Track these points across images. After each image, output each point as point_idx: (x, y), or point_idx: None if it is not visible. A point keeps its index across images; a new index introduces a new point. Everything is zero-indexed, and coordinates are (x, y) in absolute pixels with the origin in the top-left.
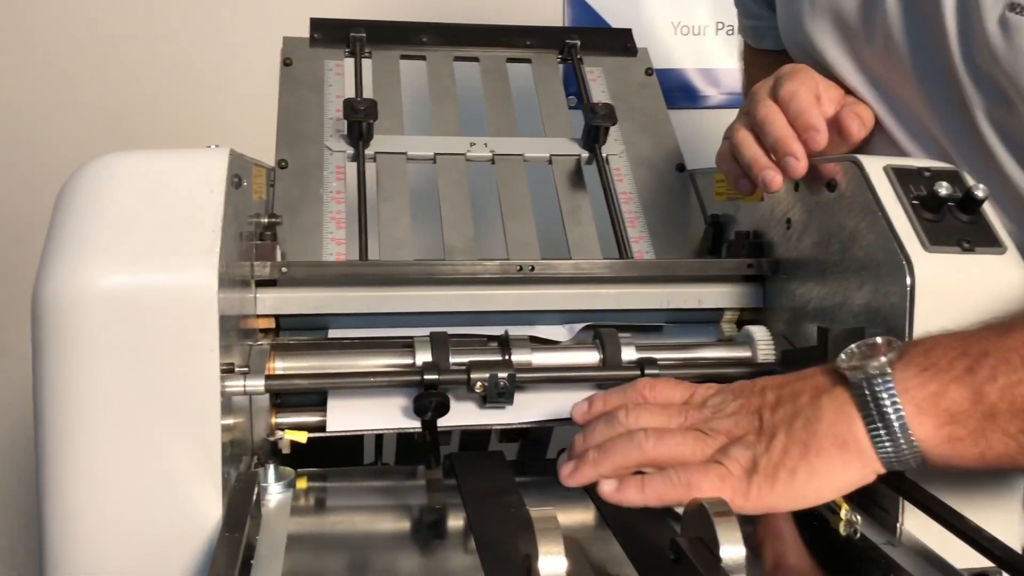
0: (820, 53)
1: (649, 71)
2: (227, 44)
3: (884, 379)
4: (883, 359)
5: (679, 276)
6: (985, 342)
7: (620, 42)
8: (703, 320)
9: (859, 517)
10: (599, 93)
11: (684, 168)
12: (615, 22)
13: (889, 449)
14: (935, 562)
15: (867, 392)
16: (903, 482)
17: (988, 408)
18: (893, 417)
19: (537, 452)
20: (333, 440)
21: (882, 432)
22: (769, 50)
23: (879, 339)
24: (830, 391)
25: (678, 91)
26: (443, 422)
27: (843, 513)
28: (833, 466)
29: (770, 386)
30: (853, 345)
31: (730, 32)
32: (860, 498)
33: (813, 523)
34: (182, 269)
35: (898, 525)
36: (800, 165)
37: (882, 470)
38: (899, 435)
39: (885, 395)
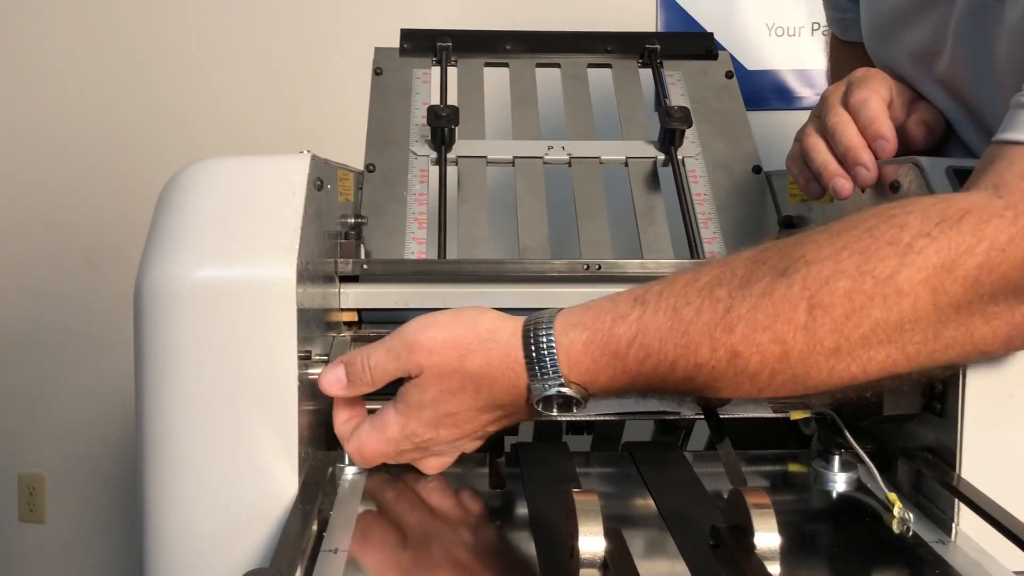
0: (897, 69)
1: (729, 74)
2: (323, 56)
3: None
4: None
5: None
6: (651, 379)
7: (701, 46)
8: None
9: (911, 515)
10: (678, 96)
11: (760, 170)
12: (708, 25)
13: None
14: (986, 562)
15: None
16: (958, 483)
17: (642, 385)
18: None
19: (609, 445)
20: None
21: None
22: (856, 42)
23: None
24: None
25: (772, 92)
26: None
27: (896, 511)
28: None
29: (478, 414)
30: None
31: (826, 32)
32: (916, 498)
33: (865, 519)
34: (264, 264)
35: (953, 525)
36: (870, 175)
37: None
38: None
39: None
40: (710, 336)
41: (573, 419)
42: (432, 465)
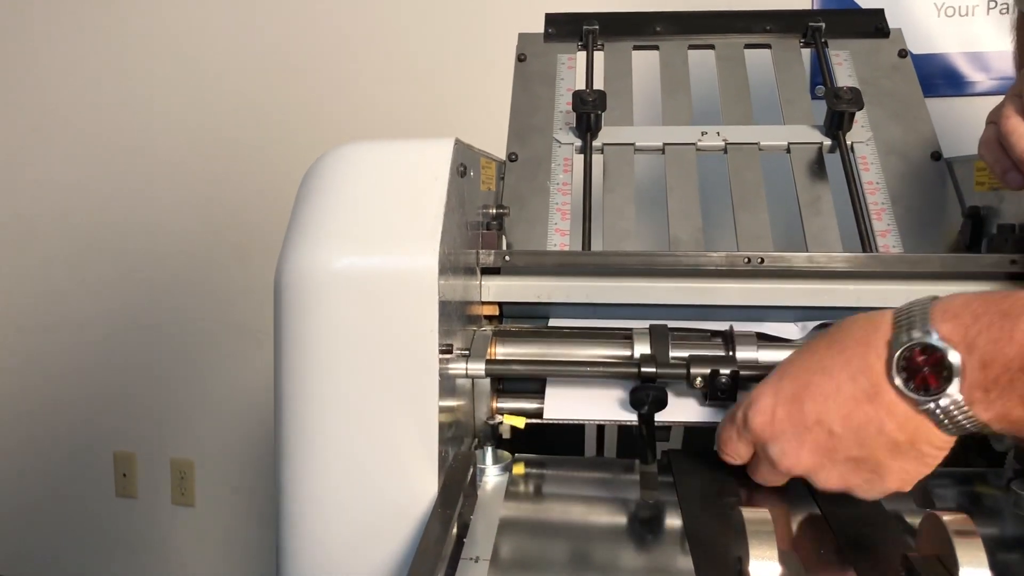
0: None
1: (903, 53)
2: (466, 43)
3: (962, 412)
4: (950, 393)
5: (929, 272)
6: None
7: (870, 23)
8: None
9: None
10: (845, 77)
11: (940, 156)
12: (869, 5)
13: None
14: None
15: (950, 422)
16: None
17: None
18: (970, 427)
19: None
20: (554, 429)
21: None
22: None
23: (926, 353)
24: (917, 426)
25: (940, 78)
26: (661, 417)
27: None
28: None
29: (834, 419)
30: (901, 365)
31: (1004, 11)
32: None
33: None
34: (406, 253)
35: None
36: None
37: None
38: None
39: (964, 421)
40: None
41: None
42: (763, 473)
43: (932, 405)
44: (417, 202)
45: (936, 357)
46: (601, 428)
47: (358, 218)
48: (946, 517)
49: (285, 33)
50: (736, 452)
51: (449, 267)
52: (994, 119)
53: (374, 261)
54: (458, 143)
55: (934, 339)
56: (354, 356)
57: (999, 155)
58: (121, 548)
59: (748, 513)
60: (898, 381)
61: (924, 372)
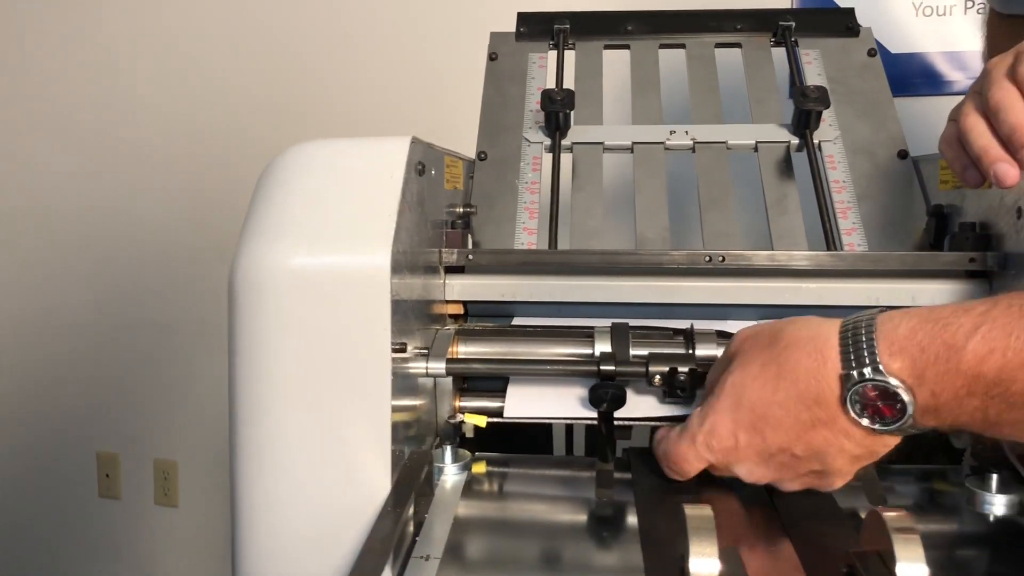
0: None
1: (872, 52)
2: (437, 43)
3: (914, 426)
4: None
5: (889, 270)
6: (993, 385)
7: (841, 22)
8: None
9: None
10: (814, 76)
11: (907, 155)
12: (848, 5)
13: None
14: None
15: (901, 432)
16: None
17: (980, 396)
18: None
19: None
20: (523, 429)
21: None
22: (1021, 16)
23: (878, 389)
24: (873, 440)
25: (919, 77)
26: (622, 415)
27: None
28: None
29: (796, 445)
30: (855, 400)
31: (981, 10)
32: None
33: None
34: (358, 252)
35: None
36: None
37: None
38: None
39: (914, 430)
40: None
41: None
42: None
43: (886, 428)
44: (371, 200)
45: (889, 392)
46: (570, 428)
47: (311, 217)
48: (887, 514)
49: (272, 32)
50: (692, 470)
51: (405, 265)
52: (955, 117)
53: (327, 260)
54: (415, 141)
55: (884, 377)
56: (307, 355)
57: (958, 152)
58: (104, 549)
59: (690, 510)
60: (853, 414)
61: (878, 405)
